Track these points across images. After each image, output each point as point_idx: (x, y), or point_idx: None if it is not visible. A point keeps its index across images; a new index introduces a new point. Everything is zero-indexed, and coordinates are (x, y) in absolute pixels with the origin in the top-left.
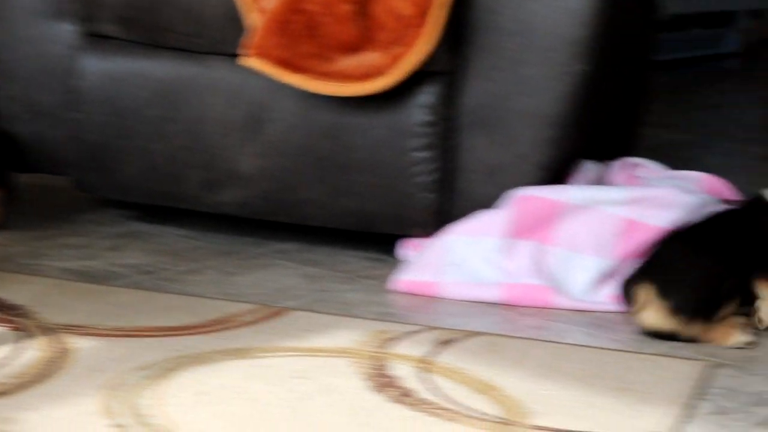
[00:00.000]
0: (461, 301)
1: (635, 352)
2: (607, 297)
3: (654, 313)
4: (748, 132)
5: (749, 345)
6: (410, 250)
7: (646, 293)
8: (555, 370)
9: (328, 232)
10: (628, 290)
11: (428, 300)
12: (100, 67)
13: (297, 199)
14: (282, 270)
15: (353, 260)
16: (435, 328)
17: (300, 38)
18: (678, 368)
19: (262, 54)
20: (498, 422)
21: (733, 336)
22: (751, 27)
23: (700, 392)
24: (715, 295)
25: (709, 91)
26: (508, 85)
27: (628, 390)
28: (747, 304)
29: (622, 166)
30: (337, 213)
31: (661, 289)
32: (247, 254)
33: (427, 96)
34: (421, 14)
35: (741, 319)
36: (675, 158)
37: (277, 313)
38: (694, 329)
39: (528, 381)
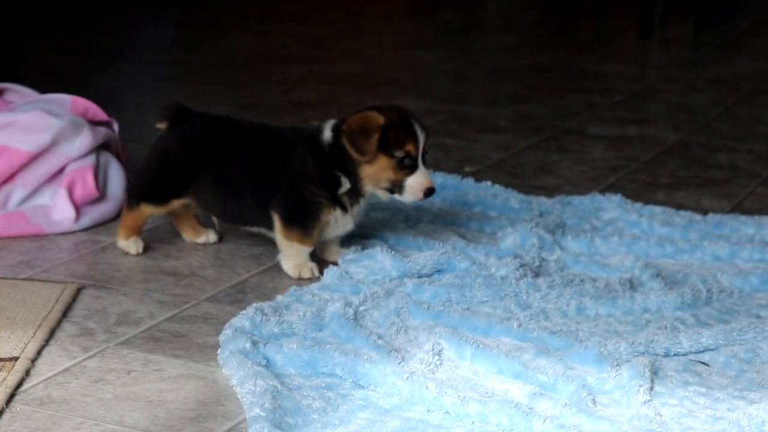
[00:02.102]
0: None
1: (5, 279)
2: None
3: None
4: (147, 54)
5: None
6: None
7: None
8: None
9: None
10: None
11: None
12: None
13: None
14: None
15: None
16: None
17: None
18: (48, 292)
19: None
20: None
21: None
22: None
23: (64, 315)
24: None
25: (113, 15)
26: None
27: None
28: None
29: None
30: None
31: None
32: None
33: None
34: None
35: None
36: (72, 82)
37: None
38: None
39: None
